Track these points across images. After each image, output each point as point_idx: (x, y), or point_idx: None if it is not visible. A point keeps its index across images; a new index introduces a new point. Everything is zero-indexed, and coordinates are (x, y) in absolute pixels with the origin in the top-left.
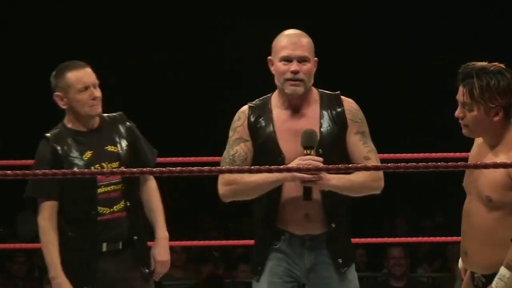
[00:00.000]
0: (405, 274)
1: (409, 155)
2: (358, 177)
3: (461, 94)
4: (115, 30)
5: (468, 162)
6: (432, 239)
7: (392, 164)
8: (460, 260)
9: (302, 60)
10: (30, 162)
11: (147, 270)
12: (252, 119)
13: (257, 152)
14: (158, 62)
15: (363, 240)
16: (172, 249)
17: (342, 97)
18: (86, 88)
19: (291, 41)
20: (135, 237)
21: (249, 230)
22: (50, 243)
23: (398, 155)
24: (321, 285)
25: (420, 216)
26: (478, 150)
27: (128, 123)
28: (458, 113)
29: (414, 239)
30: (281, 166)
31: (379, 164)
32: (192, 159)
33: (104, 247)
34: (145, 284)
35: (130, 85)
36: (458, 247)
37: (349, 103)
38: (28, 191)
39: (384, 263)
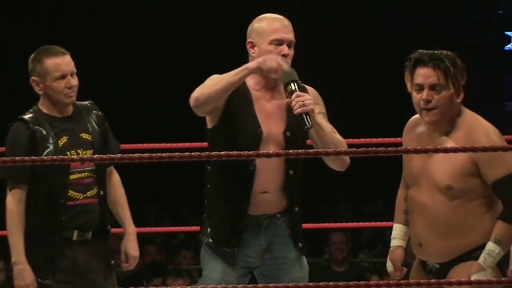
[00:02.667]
0: (347, 259)
1: (350, 140)
2: (337, 136)
3: (432, 76)
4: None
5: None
6: (372, 224)
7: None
8: (392, 251)
9: (291, 44)
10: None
11: (112, 262)
12: (234, 90)
13: (235, 125)
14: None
15: (304, 225)
16: (114, 235)
17: (304, 84)
18: (64, 76)
19: (281, 24)
20: (109, 227)
21: (191, 217)
22: (16, 228)
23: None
24: (276, 265)
25: (362, 202)
26: (421, 138)
27: (99, 113)
28: (426, 95)
29: (354, 224)
30: (260, 152)
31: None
32: (145, 145)
33: (75, 235)
34: (111, 276)
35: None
36: None
37: (310, 89)
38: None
39: (326, 248)
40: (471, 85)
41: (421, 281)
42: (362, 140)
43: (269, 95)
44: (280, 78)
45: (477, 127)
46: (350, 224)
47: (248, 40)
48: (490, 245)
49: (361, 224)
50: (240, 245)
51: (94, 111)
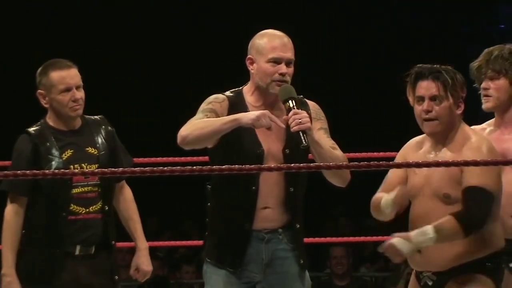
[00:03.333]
0: (348, 273)
1: (351, 154)
2: (337, 152)
3: (432, 88)
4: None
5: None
6: (373, 238)
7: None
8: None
9: (289, 62)
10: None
11: (116, 277)
12: (231, 109)
13: (236, 145)
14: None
15: (305, 239)
16: (118, 249)
17: (305, 99)
18: (68, 89)
19: (281, 43)
20: (113, 242)
21: (193, 231)
22: (10, 239)
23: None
24: (278, 280)
25: (363, 215)
26: (415, 150)
27: (109, 128)
28: (427, 106)
29: (356, 238)
30: (262, 166)
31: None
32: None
33: (77, 250)
34: None
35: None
36: None
37: (312, 104)
38: (1, 185)
39: (327, 262)
40: (473, 99)
41: None
42: (363, 154)
43: (271, 111)
44: (279, 95)
45: (470, 143)
46: (351, 239)
47: (248, 56)
48: (428, 228)
49: (362, 238)
50: (242, 264)
51: (104, 126)
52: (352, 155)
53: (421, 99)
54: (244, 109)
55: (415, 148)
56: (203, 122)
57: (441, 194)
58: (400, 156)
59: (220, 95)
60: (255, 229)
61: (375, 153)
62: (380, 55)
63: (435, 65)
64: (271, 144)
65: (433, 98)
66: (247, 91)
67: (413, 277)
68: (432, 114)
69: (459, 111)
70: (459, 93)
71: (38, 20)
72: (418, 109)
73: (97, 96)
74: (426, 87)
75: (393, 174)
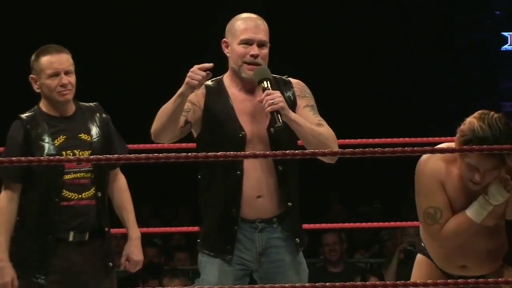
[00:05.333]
0: (341, 260)
1: (352, 141)
2: (320, 129)
3: (487, 162)
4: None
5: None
6: (368, 224)
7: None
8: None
9: (261, 44)
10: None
11: (111, 264)
12: (210, 96)
13: (217, 130)
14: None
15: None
16: (113, 235)
17: (290, 79)
18: (56, 74)
19: (252, 24)
20: (106, 229)
21: (187, 218)
22: (4, 225)
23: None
24: (273, 269)
25: (357, 202)
26: (461, 187)
27: (104, 115)
28: (479, 179)
29: (350, 225)
30: (247, 153)
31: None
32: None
33: (71, 236)
34: (108, 278)
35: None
36: (395, 232)
37: (296, 83)
38: None
39: (320, 249)
40: (467, 85)
41: (419, 282)
42: (358, 141)
43: (249, 95)
44: (253, 77)
45: None
46: (345, 225)
47: (223, 39)
48: (481, 198)
49: (357, 224)
50: (234, 251)
51: (98, 113)
52: (347, 141)
53: (473, 168)
54: (225, 94)
55: (451, 175)
56: (159, 112)
57: (491, 222)
58: (437, 182)
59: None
60: (249, 219)
61: (369, 139)
62: (373, 42)
63: (494, 126)
64: (254, 126)
65: (486, 169)
66: (227, 76)
67: (429, 268)
68: (483, 180)
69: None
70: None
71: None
72: (468, 174)
73: (94, 82)
74: (483, 159)
75: (441, 201)
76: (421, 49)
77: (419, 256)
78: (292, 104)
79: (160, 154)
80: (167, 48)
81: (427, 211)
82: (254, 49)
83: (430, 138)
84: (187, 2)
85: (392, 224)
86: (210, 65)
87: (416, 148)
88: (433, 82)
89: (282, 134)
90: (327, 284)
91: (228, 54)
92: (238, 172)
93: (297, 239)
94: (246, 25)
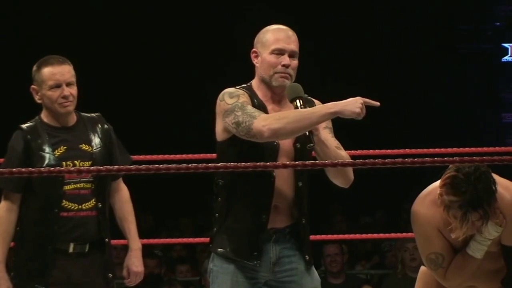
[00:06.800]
0: (342, 271)
1: (353, 152)
2: (341, 152)
3: (472, 226)
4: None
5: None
6: (369, 236)
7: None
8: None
9: (293, 55)
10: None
11: (110, 275)
12: (251, 100)
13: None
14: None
15: None
16: (113, 247)
17: (311, 98)
18: (58, 86)
19: (284, 35)
20: (107, 240)
21: (188, 229)
22: (2, 235)
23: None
24: (287, 277)
25: (358, 213)
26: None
27: (106, 125)
28: (463, 241)
29: (351, 236)
30: (276, 163)
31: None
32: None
33: (71, 248)
34: None
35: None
36: (395, 244)
37: (318, 103)
38: None
39: (321, 260)
40: (467, 96)
41: None
42: (359, 152)
43: (277, 105)
44: (286, 93)
45: (504, 200)
46: (346, 236)
47: (253, 49)
48: (476, 236)
49: (357, 236)
50: (260, 258)
51: (100, 123)
52: (353, 152)
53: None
54: (261, 104)
55: (447, 221)
56: (293, 115)
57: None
58: (433, 228)
59: (236, 88)
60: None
61: (370, 150)
62: (372, 49)
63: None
64: (284, 139)
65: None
66: (255, 85)
67: (432, 281)
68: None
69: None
70: (489, 213)
71: (35, 15)
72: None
73: (95, 92)
74: (471, 216)
75: (442, 246)
76: (421, 59)
77: (422, 268)
78: None
79: (161, 166)
80: (169, 59)
81: (429, 257)
82: (286, 59)
83: (430, 149)
84: (189, 14)
85: (393, 235)
86: (377, 104)
87: (417, 159)
88: (433, 93)
89: (305, 152)
90: None
91: (257, 64)
92: (271, 179)
93: (307, 256)
94: (278, 35)
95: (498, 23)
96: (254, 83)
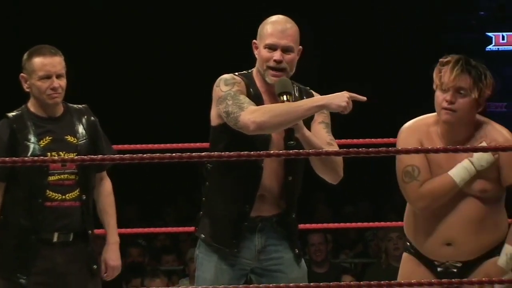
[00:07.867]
0: (327, 260)
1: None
2: (332, 149)
3: (463, 80)
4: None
5: (429, 163)
6: (352, 225)
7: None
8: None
9: (286, 49)
10: None
11: (95, 266)
12: (247, 90)
13: None
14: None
15: None
16: (98, 236)
17: (312, 91)
18: (48, 77)
19: (278, 29)
20: (90, 231)
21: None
22: None
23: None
24: (273, 266)
25: (342, 203)
26: (432, 138)
27: (92, 118)
28: (451, 97)
29: (335, 225)
30: (260, 152)
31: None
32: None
33: (55, 237)
34: (92, 280)
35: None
36: (377, 233)
37: (317, 95)
38: None
39: (305, 249)
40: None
41: (403, 282)
42: (343, 141)
43: (272, 98)
44: (275, 89)
45: (493, 131)
46: (330, 225)
47: (254, 40)
48: (509, 248)
49: (341, 225)
50: (240, 246)
51: (86, 116)
52: (343, 141)
53: (446, 87)
54: (258, 94)
55: (421, 133)
56: (278, 108)
57: (477, 189)
58: (415, 140)
59: (233, 76)
60: (251, 216)
61: (354, 139)
62: (359, 41)
63: (471, 59)
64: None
65: (458, 90)
66: (255, 74)
67: (416, 266)
68: (454, 106)
69: (479, 110)
70: (485, 93)
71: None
72: (440, 97)
73: (95, 92)
74: (458, 77)
75: (419, 160)
76: (406, 48)
77: (404, 255)
78: (310, 116)
79: (144, 155)
80: (157, 49)
81: (405, 169)
82: (277, 55)
83: None
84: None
85: (377, 224)
86: (363, 99)
87: (401, 148)
88: (417, 81)
89: (297, 147)
90: (312, 284)
91: (256, 56)
92: (259, 170)
93: (296, 250)
94: (272, 30)
95: (482, 13)
96: (255, 71)
